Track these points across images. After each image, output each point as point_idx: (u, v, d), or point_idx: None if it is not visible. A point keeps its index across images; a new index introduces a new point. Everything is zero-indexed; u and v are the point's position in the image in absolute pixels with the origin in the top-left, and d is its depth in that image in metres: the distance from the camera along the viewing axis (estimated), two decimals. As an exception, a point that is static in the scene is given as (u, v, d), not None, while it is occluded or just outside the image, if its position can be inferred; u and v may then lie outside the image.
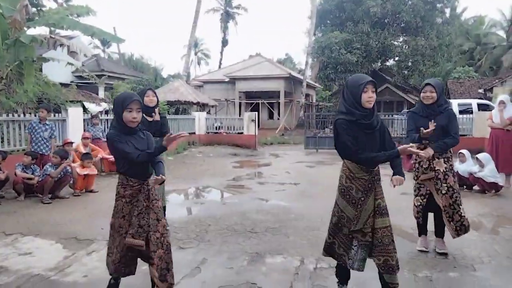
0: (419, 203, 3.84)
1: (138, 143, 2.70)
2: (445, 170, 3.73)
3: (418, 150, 2.83)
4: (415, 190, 3.90)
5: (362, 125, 2.63)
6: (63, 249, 4.06)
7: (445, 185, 3.70)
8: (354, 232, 2.68)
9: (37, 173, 6.42)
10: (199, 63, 52.84)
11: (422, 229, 4.00)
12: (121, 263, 2.74)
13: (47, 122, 7.13)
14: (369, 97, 2.60)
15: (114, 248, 2.75)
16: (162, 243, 2.70)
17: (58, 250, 4.02)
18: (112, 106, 2.74)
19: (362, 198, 2.68)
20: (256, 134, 15.77)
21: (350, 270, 2.80)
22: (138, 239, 2.65)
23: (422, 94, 3.75)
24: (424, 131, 3.48)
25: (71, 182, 6.72)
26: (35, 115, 7.32)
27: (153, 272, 2.67)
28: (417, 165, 3.86)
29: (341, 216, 2.75)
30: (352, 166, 2.70)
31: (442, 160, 3.73)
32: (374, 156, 2.63)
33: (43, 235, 4.48)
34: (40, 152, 6.91)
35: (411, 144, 2.73)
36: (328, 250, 2.85)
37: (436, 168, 3.73)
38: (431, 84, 3.69)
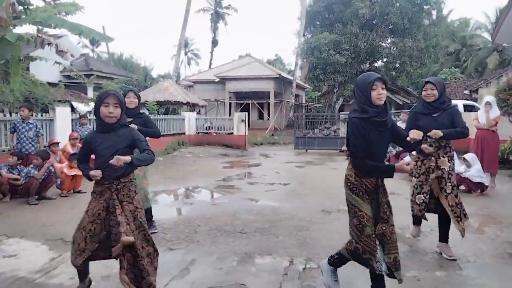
0: (421, 201, 3.81)
1: (112, 141, 2.68)
2: (449, 169, 3.75)
3: (409, 167, 2.77)
4: (416, 188, 3.87)
5: (375, 122, 2.62)
6: (49, 250, 4.00)
7: (449, 184, 3.72)
8: (377, 231, 2.66)
9: (23, 173, 6.32)
10: (189, 63, 52.66)
11: (417, 221, 4.16)
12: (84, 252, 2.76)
13: (31, 121, 7.03)
14: (378, 94, 2.60)
15: (79, 238, 2.77)
16: (148, 240, 2.73)
17: (44, 252, 3.97)
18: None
19: (374, 197, 2.70)
20: (246, 134, 15.78)
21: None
22: (130, 236, 2.61)
23: (423, 93, 3.77)
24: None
25: (58, 182, 6.64)
26: (22, 115, 7.22)
27: (124, 278, 2.59)
28: (419, 163, 3.84)
29: (360, 215, 2.64)
30: None
31: (446, 159, 3.76)
32: (374, 166, 2.63)
33: (29, 237, 4.42)
34: (26, 152, 6.81)
35: (407, 162, 2.72)
36: (354, 256, 2.71)
37: (441, 167, 3.74)
38: (431, 81, 3.72)
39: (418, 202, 3.85)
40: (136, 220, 2.71)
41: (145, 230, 2.75)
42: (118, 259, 2.65)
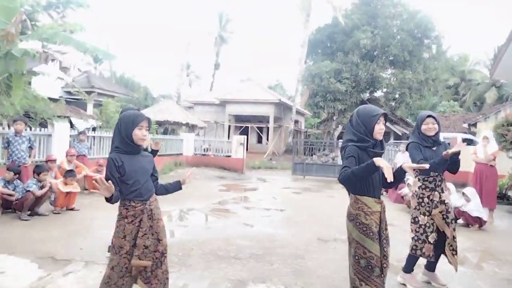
0: (433, 240, 3.64)
1: (140, 162, 2.70)
2: (449, 203, 3.74)
3: (418, 165, 2.69)
4: (428, 227, 3.66)
5: (372, 153, 2.60)
6: (38, 269, 3.90)
7: (451, 217, 3.69)
8: (385, 270, 2.57)
9: (19, 189, 6.24)
10: (190, 85, 53.13)
11: (412, 267, 3.84)
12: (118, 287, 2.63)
13: (24, 134, 7.04)
14: (380, 129, 2.62)
15: (110, 269, 2.62)
16: (162, 262, 2.68)
17: (33, 270, 3.86)
18: (119, 125, 2.66)
19: (385, 232, 2.63)
20: (244, 157, 15.75)
21: None
22: (144, 260, 2.59)
23: (424, 126, 3.71)
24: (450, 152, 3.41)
25: (52, 199, 6.56)
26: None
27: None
28: (426, 199, 3.71)
29: (370, 256, 2.56)
30: (369, 201, 2.63)
31: (447, 192, 3.74)
32: (357, 168, 2.48)
33: (18, 254, 4.31)
34: (20, 164, 6.79)
35: (409, 164, 2.61)
36: None
37: (446, 201, 3.69)
38: (432, 116, 3.71)
39: (431, 242, 3.64)
40: (161, 240, 2.74)
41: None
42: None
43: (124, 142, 2.62)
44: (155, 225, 2.70)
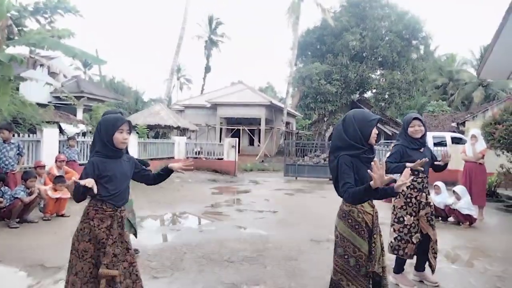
0: (417, 240, 3.65)
1: (122, 167, 2.64)
2: (433, 205, 3.78)
3: (404, 181, 2.50)
4: (413, 227, 3.66)
5: (365, 159, 2.57)
6: (27, 277, 3.84)
7: (434, 220, 3.73)
8: (372, 272, 2.55)
9: (7, 196, 6.14)
10: (181, 88, 52.98)
11: (402, 266, 3.86)
12: None
13: (13, 141, 6.93)
14: (375, 133, 2.61)
15: (73, 275, 2.49)
16: (130, 273, 2.57)
17: (22, 279, 3.80)
18: (99, 129, 2.60)
19: (374, 236, 2.60)
20: (236, 160, 15.73)
21: None
22: (112, 269, 2.47)
23: (410, 129, 3.69)
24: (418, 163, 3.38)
25: (42, 205, 6.47)
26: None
27: None
28: (414, 200, 3.70)
29: (359, 255, 2.52)
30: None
31: (431, 195, 3.78)
32: (360, 189, 2.41)
33: (7, 262, 4.24)
34: (7, 171, 6.68)
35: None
36: None
37: (431, 204, 3.72)
38: (419, 118, 3.70)
39: (415, 242, 3.65)
40: (129, 250, 2.64)
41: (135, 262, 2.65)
42: None
43: (105, 146, 2.56)
44: (124, 234, 2.62)
